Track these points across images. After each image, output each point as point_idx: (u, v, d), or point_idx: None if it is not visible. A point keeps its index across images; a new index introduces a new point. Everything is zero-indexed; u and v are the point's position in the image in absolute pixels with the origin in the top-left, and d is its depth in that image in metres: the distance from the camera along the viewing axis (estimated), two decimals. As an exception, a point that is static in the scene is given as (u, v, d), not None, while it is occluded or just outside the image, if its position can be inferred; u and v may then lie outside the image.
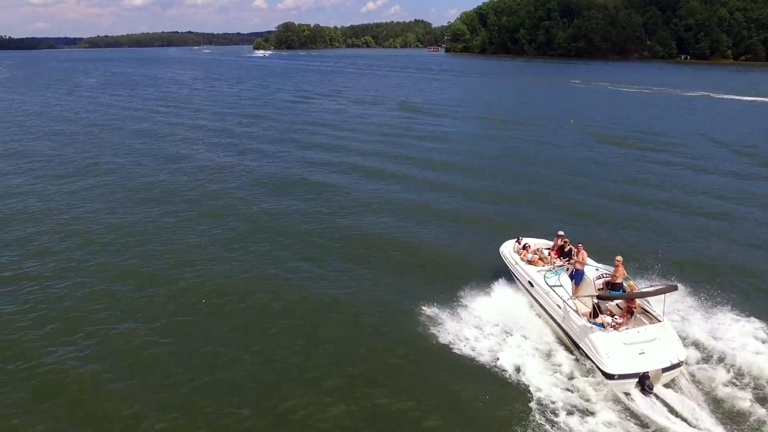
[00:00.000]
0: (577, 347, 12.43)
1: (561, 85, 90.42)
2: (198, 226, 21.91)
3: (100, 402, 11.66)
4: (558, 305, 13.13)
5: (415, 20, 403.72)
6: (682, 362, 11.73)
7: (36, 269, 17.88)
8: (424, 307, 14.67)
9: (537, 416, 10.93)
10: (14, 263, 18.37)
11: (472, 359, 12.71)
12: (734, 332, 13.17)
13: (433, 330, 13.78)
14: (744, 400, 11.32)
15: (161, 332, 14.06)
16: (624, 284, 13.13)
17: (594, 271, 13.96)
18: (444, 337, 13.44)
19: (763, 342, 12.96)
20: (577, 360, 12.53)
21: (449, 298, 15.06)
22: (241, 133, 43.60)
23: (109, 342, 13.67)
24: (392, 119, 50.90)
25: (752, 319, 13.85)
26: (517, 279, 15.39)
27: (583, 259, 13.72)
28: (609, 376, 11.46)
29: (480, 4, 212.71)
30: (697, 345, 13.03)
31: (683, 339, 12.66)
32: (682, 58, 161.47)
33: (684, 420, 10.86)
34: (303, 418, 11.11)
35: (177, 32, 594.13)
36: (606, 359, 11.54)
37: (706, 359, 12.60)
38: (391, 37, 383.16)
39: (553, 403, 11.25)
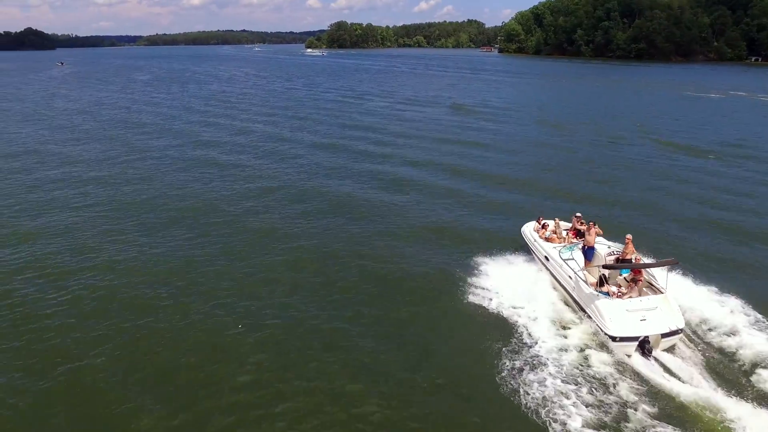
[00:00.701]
0: (585, 313, 13.90)
1: (624, 87, 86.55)
2: (239, 227, 21.79)
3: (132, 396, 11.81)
4: (570, 276, 14.64)
5: (468, 20, 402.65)
6: (681, 330, 13.04)
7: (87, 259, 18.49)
8: (454, 273, 16.94)
9: (543, 369, 12.41)
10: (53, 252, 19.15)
11: (489, 315, 14.68)
12: (731, 307, 14.42)
13: (460, 289, 15.97)
14: (736, 366, 12.52)
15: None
16: (633, 260, 14.53)
17: (606, 248, 15.42)
18: (467, 296, 15.60)
19: (756, 320, 14.13)
20: (580, 319, 14.03)
21: (476, 267, 17.14)
22: (288, 133, 43.65)
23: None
24: (444, 120, 50.33)
25: (748, 299, 14.97)
26: (535, 254, 16.98)
27: (593, 237, 15.22)
28: (612, 338, 12.88)
29: (536, 3, 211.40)
30: (696, 316, 14.29)
31: (684, 310, 13.96)
32: (752, 59, 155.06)
33: (680, 380, 12.09)
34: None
35: (232, 31, 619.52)
36: (609, 323, 13.01)
37: (705, 329, 13.84)
38: (443, 37, 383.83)
39: (559, 360, 12.71)
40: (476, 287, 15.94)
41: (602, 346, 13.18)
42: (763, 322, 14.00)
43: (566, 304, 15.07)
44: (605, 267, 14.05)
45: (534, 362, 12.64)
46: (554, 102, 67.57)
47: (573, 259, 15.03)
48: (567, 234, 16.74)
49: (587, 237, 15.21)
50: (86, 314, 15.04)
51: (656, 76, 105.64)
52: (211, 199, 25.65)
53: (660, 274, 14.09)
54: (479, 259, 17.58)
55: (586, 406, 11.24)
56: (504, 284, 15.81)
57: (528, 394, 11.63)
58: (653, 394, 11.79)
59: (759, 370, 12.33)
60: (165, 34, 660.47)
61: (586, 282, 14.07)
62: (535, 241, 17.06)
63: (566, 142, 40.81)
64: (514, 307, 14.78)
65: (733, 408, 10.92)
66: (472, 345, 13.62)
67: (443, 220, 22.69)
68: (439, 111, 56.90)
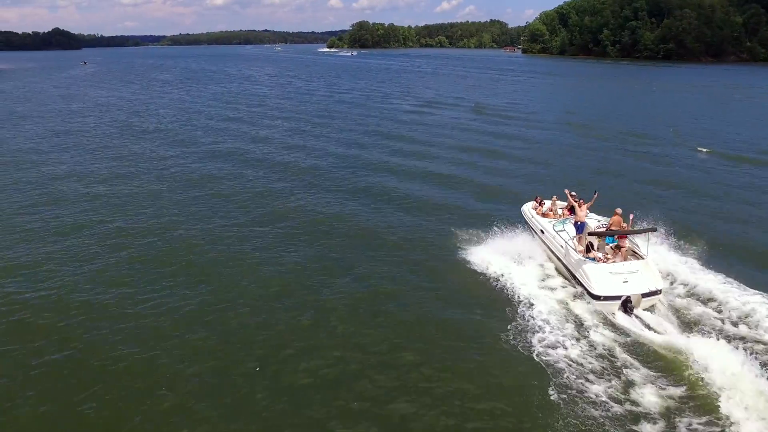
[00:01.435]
0: (574, 277, 15.57)
1: (653, 88, 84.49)
2: (260, 225, 21.99)
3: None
4: (561, 245, 16.34)
5: (491, 20, 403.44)
6: (659, 290, 14.71)
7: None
8: (459, 244, 19.06)
9: (534, 323, 14.02)
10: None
11: (488, 278, 16.55)
12: (710, 274, 16.09)
13: (463, 257, 18.09)
14: (712, 324, 14.19)
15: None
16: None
17: (596, 222, 17.18)
18: (470, 262, 17.65)
19: (732, 285, 15.76)
20: (573, 286, 15.72)
21: (479, 240, 19.06)
22: (308, 135, 42.64)
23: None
24: (466, 123, 49.02)
25: (727, 269, 16.64)
26: (533, 229, 18.75)
27: (584, 212, 17.08)
28: (596, 297, 14.59)
29: (560, 3, 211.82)
30: (676, 279, 16.05)
31: (664, 274, 15.67)
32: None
33: (656, 332, 13.80)
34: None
35: (254, 30, 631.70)
36: (595, 284, 14.73)
37: (682, 291, 15.55)
38: (466, 37, 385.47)
39: (550, 317, 14.28)
40: (479, 257, 17.83)
41: (589, 306, 14.97)
42: (733, 283, 15.79)
43: (558, 271, 16.82)
44: (590, 234, 15.83)
45: (527, 318, 14.32)
46: (582, 104, 66.16)
47: (565, 230, 16.86)
48: (562, 211, 18.57)
49: (578, 212, 16.99)
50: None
51: (688, 77, 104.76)
52: (236, 193, 26.61)
53: (642, 243, 15.83)
54: (482, 235, 19.47)
55: (573, 353, 12.84)
56: (504, 255, 17.67)
57: (520, 339, 13.37)
58: (633, 343, 13.34)
59: (725, 322, 14.17)
60: (188, 33, 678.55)
61: (575, 250, 15.90)
62: (532, 217, 18.90)
63: (598, 146, 38.92)
64: (512, 273, 16.57)
65: (698, 349, 12.58)
66: (473, 301, 15.41)
67: (455, 204, 24.88)
68: (461, 113, 55.94)
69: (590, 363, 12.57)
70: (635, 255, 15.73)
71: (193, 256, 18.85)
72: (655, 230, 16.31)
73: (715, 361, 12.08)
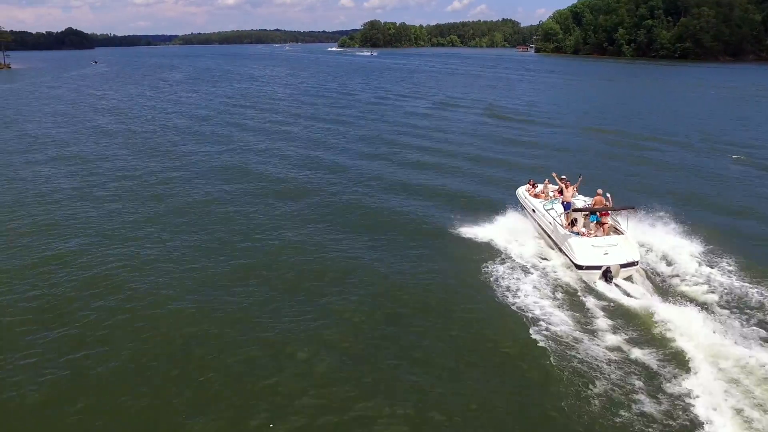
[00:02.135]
0: (560, 249, 17.42)
1: (674, 88, 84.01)
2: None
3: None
4: (550, 222, 18.23)
5: (503, 19, 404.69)
6: (637, 262, 16.48)
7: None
8: (460, 221, 21.02)
9: (525, 288, 15.88)
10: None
11: (486, 251, 18.60)
12: (683, 248, 18.00)
13: (463, 232, 20.24)
14: (680, 291, 16.00)
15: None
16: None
17: (582, 202, 19.03)
18: (469, 237, 19.80)
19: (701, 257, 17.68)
20: (558, 258, 17.62)
21: (479, 219, 20.92)
22: (320, 137, 42.11)
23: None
24: (480, 126, 47.74)
25: (701, 242, 18.45)
26: (525, 209, 20.78)
27: (570, 193, 18.99)
28: (579, 267, 16.36)
29: (574, 2, 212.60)
30: (653, 253, 18.02)
31: (642, 248, 17.52)
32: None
33: (632, 297, 15.58)
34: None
35: (265, 30, 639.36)
36: (578, 255, 16.50)
37: (658, 263, 17.50)
38: (478, 36, 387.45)
39: (539, 283, 16.16)
40: (479, 233, 19.96)
41: (573, 274, 16.78)
42: (704, 257, 17.72)
43: (548, 246, 18.77)
44: (575, 210, 17.71)
45: (519, 284, 16.21)
46: (601, 105, 64.44)
47: (553, 209, 18.77)
48: (553, 193, 20.45)
49: (565, 193, 18.89)
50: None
51: (708, 77, 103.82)
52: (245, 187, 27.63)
53: (622, 221, 17.66)
54: (480, 215, 21.40)
55: (557, 313, 14.63)
56: (500, 231, 19.73)
57: (513, 301, 15.26)
58: (610, 306, 15.13)
59: (693, 287, 16.11)
60: (200, 33, 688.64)
61: (562, 225, 17.77)
62: (525, 198, 20.97)
63: (623, 152, 36.44)
64: (506, 247, 18.58)
65: (665, 311, 14.39)
66: (470, 269, 17.41)
67: (461, 191, 26.94)
68: (475, 115, 54.12)
69: (572, 321, 14.36)
70: (616, 231, 17.54)
71: (214, 227, 21.01)
72: (633, 208, 18.15)
73: (678, 320, 13.92)
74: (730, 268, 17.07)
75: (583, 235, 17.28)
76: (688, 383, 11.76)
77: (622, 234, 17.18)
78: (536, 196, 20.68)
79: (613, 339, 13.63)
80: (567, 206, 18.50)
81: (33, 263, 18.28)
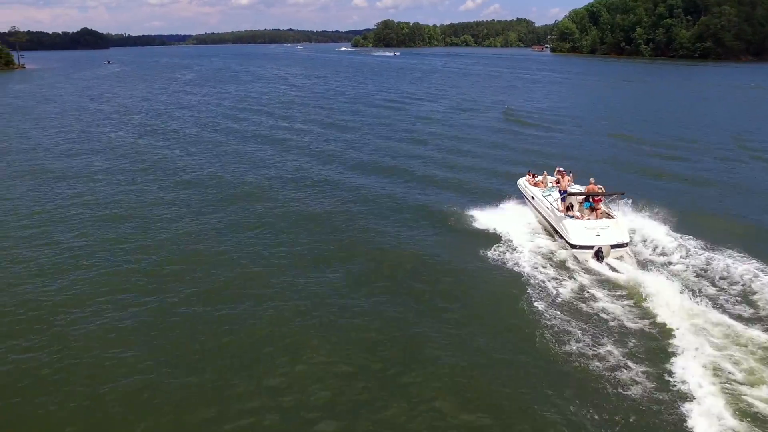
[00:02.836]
0: (556, 232, 19.27)
1: (700, 90, 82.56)
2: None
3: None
4: (547, 207, 20.12)
5: (517, 19, 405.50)
6: (626, 243, 18.23)
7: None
8: (466, 209, 22.96)
9: (524, 266, 17.72)
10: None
11: (488, 235, 20.44)
12: (663, 228, 19.94)
13: (468, 218, 22.20)
14: (669, 270, 17.76)
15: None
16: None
17: (577, 190, 20.97)
18: (474, 223, 21.69)
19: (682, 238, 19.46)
20: (555, 240, 19.53)
21: (484, 206, 22.97)
22: (331, 139, 41.84)
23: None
24: (497, 131, 45.71)
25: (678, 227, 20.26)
26: (525, 197, 22.76)
27: (566, 182, 20.80)
28: (573, 246, 18.08)
29: (590, 1, 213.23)
30: (641, 236, 19.83)
31: (632, 231, 19.39)
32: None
33: (622, 274, 17.30)
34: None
35: (278, 30, 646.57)
36: (572, 235, 18.27)
37: (646, 245, 19.33)
38: (492, 36, 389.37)
39: (537, 262, 18.06)
40: (479, 219, 21.90)
41: (568, 253, 18.62)
42: (686, 239, 19.51)
43: (545, 229, 20.65)
44: (570, 195, 19.66)
45: (519, 262, 18.08)
46: (623, 108, 61.96)
47: (551, 195, 20.69)
48: (551, 183, 22.35)
49: (561, 182, 20.82)
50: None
51: (733, 78, 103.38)
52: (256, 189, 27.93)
53: (614, 207, 19.53)
54: (484, 203, 23.45)
55: (552, 285, 16.46)
56: (500, 217, 21.70)
57: (512, 276, 17.09)
58: (600, 280, 16.93)
59: (676, 266, 17.87)
60: (213, 33, 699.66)
61: (558, 210, 19.68)
62: (525, 187, 22.95)
63: (654, 164, 33.63)
64: (506, 231, 20.40)
65: (649, 283, 16.19)
66: (471, 250, 19.25)
67: (469, 184, 28.96)
68: (491, 118, 52.24)
69: (566, 292, 16.20)
70: (608, 216, 19.40)
71: (234, 239, 22.91)
72: (623, 194, 20.10)
73: (659, 290, 15.73)
74: (724, 254, 18.42)
75: (577, 218, 19.16)
76: (666, 341, 13.50)
77: (613, 218, 19.03)
78: (535, 185, 22.60)
79: (599, 305, 15.45)
80: (563, 193, 20.39)
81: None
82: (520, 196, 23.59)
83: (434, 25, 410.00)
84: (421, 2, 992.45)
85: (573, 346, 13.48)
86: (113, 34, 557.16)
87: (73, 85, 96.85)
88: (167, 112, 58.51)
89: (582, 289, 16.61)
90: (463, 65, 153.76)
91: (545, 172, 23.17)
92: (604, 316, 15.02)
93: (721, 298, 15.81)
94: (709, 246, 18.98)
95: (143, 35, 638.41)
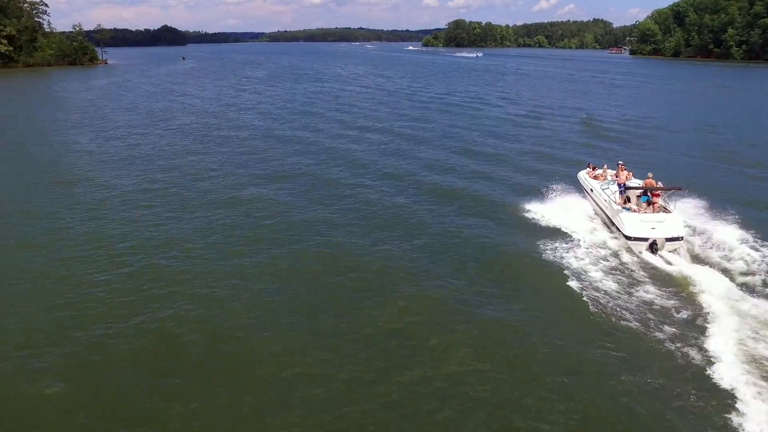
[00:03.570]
0: (613, 224, 20.21)
1: None
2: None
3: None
4: (605, 199, 21.09)
5: (594, 19, 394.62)
6: (681, 237, 18.90)
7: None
8: (527, 201, 24.21)
9: (580, 254, 18.78)
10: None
11: (546, 224, 21.74)
12: (726, 229, 20.31)
13: (529, 210, 23.47)
14: (722, 265, 18.44)
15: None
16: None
17: (635, 184, 21.76)
18: (534, 214, 22.89)
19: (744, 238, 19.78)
20: (611, 232, 20.49)
21: (545, 199, 24.28)
22: (407, 138, 41.72)
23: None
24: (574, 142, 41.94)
25: (744, 226, 20.60)
26: (584, 189, 23.79)
27: (624, 177, 21.68)
28: (628, 238, 18.94)
29: (675, 0, 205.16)
30: (697, 231, 20.50)
31: (690, 227, 20.13)
32: None
33: (674, 266, 18.06)
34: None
35: (349, 28, 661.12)
36: (627, 227, 19.10)
37: (702, 240, 19.98)
38: (567, 37, 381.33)
39: (591, 250, 19.11)
40: (539, 209, 23.22)
41: (623, 245, 19.52)
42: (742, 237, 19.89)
43: (602, 222, 21.65)
44: (628, 188, 20.57)
45: (576, 250, 19.17)
46: (721, 118, 55.03)
47: (609, 188, 21.64)
48: (611, 177, 23.28)
49: (620, 176, 21.80)
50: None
51: None
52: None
53: (671, 202, 20.31)
54: (545, 194, 24.81)
55: (603, 273, 17.49)
56: (560, 207, 23.06)
57: (568, 263, 18.12)
58: (653, 271, 17.77)
59: (729, 263, 18.43)
60: (286, 31, 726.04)
61: (615, 202, 20.66)
62: (585, 179, 23.98)
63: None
64: (564, 221, 21.62)
65: (700, 275, 17.00)
66: (529, 237, 20.60)
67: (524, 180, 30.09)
68: (567, 129, 47.94)
69: (617, 279, 17.20)
70: (665, 210, 20.20)
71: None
72: (680, 189, 20.86)
73: (710, 285, 16.51)
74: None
75: (634, 211, 20.09)
76: (710, 331, 14.24)
77: (670, 213, 19.83)
78: (595, 177, 23.61)
79: (649, 293, 16.32)
80: (621, 187, 21.33)
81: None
82: (580, 189, 24.62)
83: (506, 26, 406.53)
84: (493, 2, 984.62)
85: (618, 329, 14.43)
86: (191, 31, 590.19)
87: (148, 81, 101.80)
88: (237, 106, 61.17)
89: (633, 278, 17.46)
90: (540, 67, 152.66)
91: (605, 166, 24.11)
92: (653, 304, 15.83)
93: (771, 293, 16.38)
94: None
95: (219, 32, 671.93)
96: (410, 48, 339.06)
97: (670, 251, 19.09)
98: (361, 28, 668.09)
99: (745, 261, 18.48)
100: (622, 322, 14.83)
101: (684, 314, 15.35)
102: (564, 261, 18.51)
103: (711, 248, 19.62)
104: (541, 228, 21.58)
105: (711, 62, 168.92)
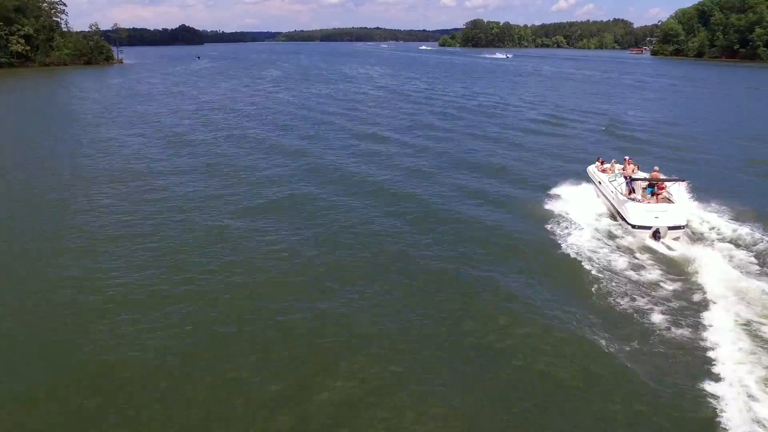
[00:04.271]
0: (619, 213, 21.42)
1: None
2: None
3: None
4: (612, 191, 22.33)
5: (614, 20, 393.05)
6: (683, 226, 19.98)
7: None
8: (535, 192, 25.91)
9: (586, 240, 20.08)
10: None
11: (557, 214, 22.98)
12: (728, 218, 21.65)
13: (538, 199, 24.98)
14: (722, 250, 19.50)
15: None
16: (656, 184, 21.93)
17: (641, 176, 22.95)
18: (544, 205, 24.27)
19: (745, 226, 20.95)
20: (618, 221, 21.67)
21: (554, 190, 25.74)
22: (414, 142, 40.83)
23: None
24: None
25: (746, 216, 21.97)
26: (593, 181, 25.08)
27: (631, 170, 22.92)
28: (632, 226, 20.10)
29: (699, 0, 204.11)
30: (700, 219, 21.84)
31: (695, 217, 21.34)
32: None
33: (676, 252, 19.11)
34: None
35: (365, 28, 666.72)
36: (632, 216, 20.25)
37: (705, 229, 21.20)
38: (586, 37, 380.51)
39: (598, 238, 20.40)
40: (549, 201, 24.58)
41: (626, 232, 20.76)
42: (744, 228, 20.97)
43: (610, 213, 22.85)
44: (633, 180, 21.77)
45: (583, 237, 20.45)
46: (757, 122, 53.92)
47: (616, 181, 22.89)
48: (618, 170, 24.50)
49: (626, 169, 23.06)
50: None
51: None
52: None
53: (675, 193, 21.50)
54: (556, 187, 26.18)
55: (609, 259, 18.69)
56: (571, 198, 24.51)
57: (575, 248, 19.38)
58: (656, 257, 18.89)
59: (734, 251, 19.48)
60: (302, 30, 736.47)
61: (621, 193, 21.87)
62: (594, 173, 25.29)
63: None
64: (574, 211, 22.92)
65: (701, 257, 18.11)
66: (540, 225, 22.01)
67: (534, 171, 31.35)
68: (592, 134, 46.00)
69: (621, 264, 18.40)
70: (668, 201, 21.37)
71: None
72: (684, 180, 22.10)
73: (710, 267, 17.66)
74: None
75: (638, 201, 21.28)
76: (709, 308, 15.38)
77: (673, 203, 21.01)
78: (603, 171, 24.92)
79: (651, 277, 17.56)
80: (628, 179, 22.54)
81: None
82: (590, 182, 25.87)
83: (525, 26, 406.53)
84: (511, 2, 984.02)
85: (621, 309, 15.55)
86: (209, 30, 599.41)
87: (163, 80, 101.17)
88: (246, 111, 58.21)
89: (637, 263, 18.60)
90: (577, 69, 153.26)
91: (613, 160, 25.35)
92: (656, 286, 17.01)
93: (769, 274, 17.48)
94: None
95: (236, 32, 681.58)
96: (423, 47, 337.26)
97: (672, 239, 20.22)
98: (377, 28, 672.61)
99: (745, 245, 19.78)
100: (622, 301, 15.98)
101: (684, 294, 16.50)
102: (571, 247, 19.72)
103: (712, 235, 20.78)
104: (552, 217, 22.84)
105: (737, 63, 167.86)
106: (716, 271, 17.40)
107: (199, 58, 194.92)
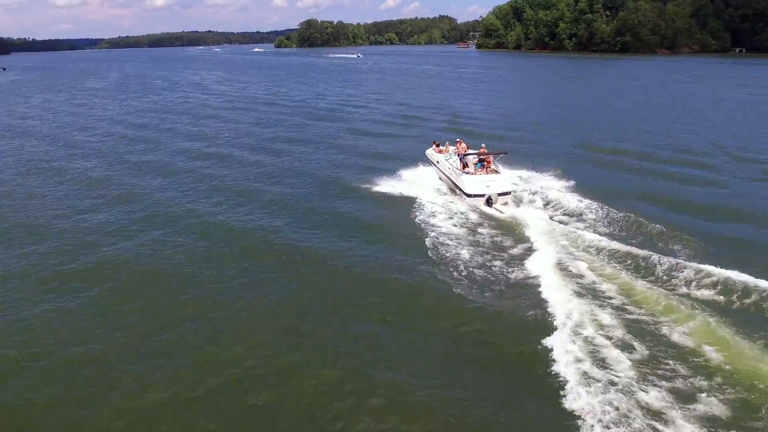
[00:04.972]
0: (457, 186, 24.93)
1: (645, 86, 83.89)
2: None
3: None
4: (448, 167, 25.83)
5: (440, 16, 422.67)
6: (510, 192, 24.01)
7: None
8: (379, 175, 28.19)
9: (429, 212, 23.09)
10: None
11: (402, 194, 25.82)
12: (550, 184, 26.24)
13: (381, 183, 27.39)
14: (542, 208, 23.64)
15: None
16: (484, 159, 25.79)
17: (471, 152, 26.67)
18: (387, 186, 27.01)
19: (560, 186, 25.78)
20: (456, 194, 25.15)
21: (396, 173, 28.51)
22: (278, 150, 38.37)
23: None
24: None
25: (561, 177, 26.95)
26: (431, 162, 28.67)
27: (463, 149, 26.67)
28: (468, 195, 23.72)
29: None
30: (523, 183, 26.17)
31: (516, 182, 25.43)
32: (737, 51, 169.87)
33: (505, 214, 22.88)
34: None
35: (196, 31, 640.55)
36: (467, 187, 23.83)
37: (528, 193, 25.34)
38: (416, 33, 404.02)
39: (440, 208, 23.50)
40: (394, 183, 27.32)
41: (464, 201, 24.22)
42: (560, 192, 25.41)
43: (448, 188, 26.28)
44: (465, 155, 25.33)
45: (425, 211, 23.42)
46: (575, 105, 63.97)
47: (451, 159, 26.32)
48: (452, 151, 28.03)
49: (459, 148, 26.75)
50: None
51: (667, 71, 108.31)
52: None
53: (501, 165, 25.51)
54: (397, 170, 28.97)
55: (450, 225, 21.82)
56: (410, 178, 27.66)
57: (421, 222, 22.16)
58: (488, 218, 22.58)
59: (548, 209, 23.76)
60: (127, 36, 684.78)
61: (457, 168, 25.19)
62: (431, 155, 28.92)
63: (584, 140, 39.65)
64: (417, 190, 26.02)
65: (525, 216, 21.97)
66: (386, 206, 24.49)
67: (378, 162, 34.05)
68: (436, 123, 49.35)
69: (462, 228, 21.64)
70: (496, 172, 25.11)
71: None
72: (505, 152, 26.40)
73: (533, 223, 21.37)
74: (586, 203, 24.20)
75: (471, 174, 24.69)
76: (534, 255, 18.88)
77: (500, 173, 24.76)
78: (440, 152, 28.47)
79: (486, 237, 20.93)
80: (461, 156, 25.96)
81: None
82: (428, 163, 29.07)
83: (358, 24, 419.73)
84: (341, 1, 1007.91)
85: (466, 261, 18.60)
86: (15, 38, 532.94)
87: None
88: (59, 130, 49.70)
89: (475, 226, 22.10)
90: (414, 63, 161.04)
91: (447, 143, 28.94)
92: (492, 242, 20.48)
93: (584, 221, 22.09)
94: (584, 198, 24.52)
95: (50, 39, 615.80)
96: (256, 50, 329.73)
97: (503, 204, 23.85)
98: (210, 32, 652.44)
99: (560, 202, 24.08)
100: (462, 259, 18.93)
101: (514, 245, 20.14)
102: (418, 219, 22.72)
103: (534, 196, 24.83)
104: (397, 197, 25.74)
105: (549, 54, 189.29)
106: (539, 226, 21.18)
107: (4, 69, 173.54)
